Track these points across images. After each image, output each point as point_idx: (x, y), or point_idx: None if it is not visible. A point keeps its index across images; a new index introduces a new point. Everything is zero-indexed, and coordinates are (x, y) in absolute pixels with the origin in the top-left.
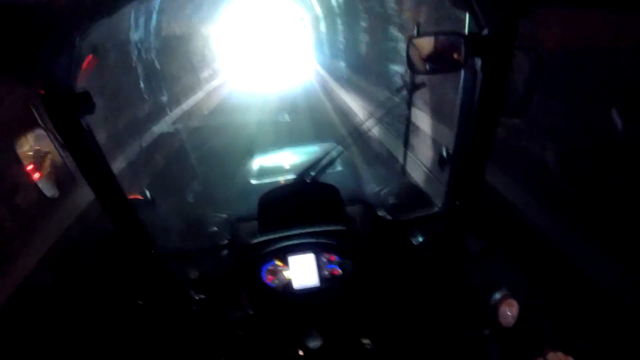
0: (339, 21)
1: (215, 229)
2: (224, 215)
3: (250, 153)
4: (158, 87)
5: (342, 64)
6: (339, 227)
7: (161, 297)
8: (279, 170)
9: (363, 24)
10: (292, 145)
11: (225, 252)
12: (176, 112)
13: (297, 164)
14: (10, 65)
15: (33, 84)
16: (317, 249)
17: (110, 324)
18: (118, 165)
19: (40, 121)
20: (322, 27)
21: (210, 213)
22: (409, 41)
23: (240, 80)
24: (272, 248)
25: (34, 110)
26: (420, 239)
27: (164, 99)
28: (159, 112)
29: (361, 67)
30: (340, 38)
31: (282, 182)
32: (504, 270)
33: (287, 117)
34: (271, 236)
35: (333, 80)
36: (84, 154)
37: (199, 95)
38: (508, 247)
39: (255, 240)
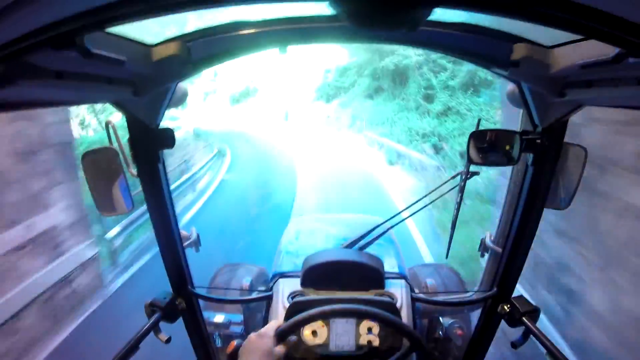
0: None
1: (250, 279)
2: (259, 268)
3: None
4: None
5: None
6: (384, 299)
7: (191, 337)
8: (322, 235)
9: None
10: (336, 212)
11: (255, 303)
12: None
13: (341, 231)
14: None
15: (126, 113)
16: (360, 316)
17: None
18: None
19: (113, 142)
20: None
21: (246, 263)
22: (470, 134)
23: None
24: (320, 308)
25: (110, 131)
26: (451, 321)
27: None
28: None
29: None
30: None
31: (323, 246)
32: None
33: None
34: (319, 297)
35: None
36: (154, 183)
37: None
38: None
39: (303, 298)
